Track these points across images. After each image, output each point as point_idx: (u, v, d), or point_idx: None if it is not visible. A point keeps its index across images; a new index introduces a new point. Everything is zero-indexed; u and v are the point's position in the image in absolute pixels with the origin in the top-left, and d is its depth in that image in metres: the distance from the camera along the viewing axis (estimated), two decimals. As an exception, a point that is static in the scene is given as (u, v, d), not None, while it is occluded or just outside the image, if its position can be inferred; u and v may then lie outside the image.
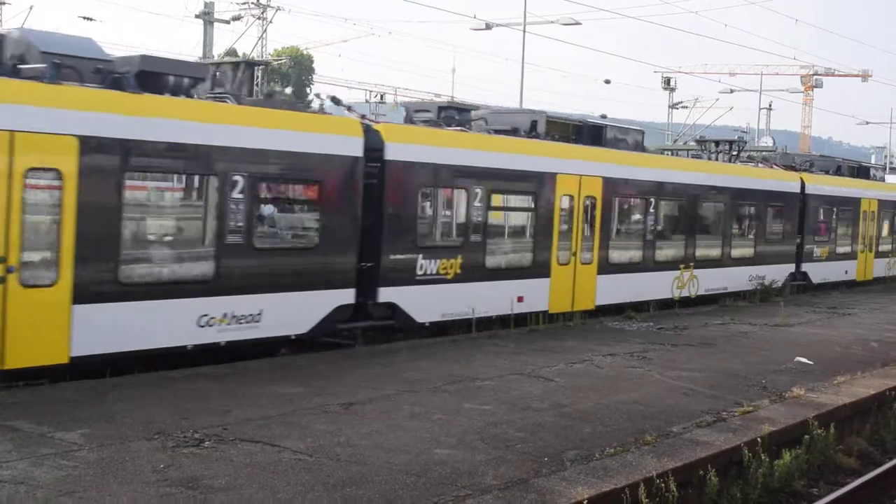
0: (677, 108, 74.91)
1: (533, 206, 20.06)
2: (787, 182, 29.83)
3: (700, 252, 25.14)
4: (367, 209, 16.46)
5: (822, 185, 31.71)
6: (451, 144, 18.44)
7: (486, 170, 18.78)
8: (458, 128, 19.27)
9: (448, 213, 18.93)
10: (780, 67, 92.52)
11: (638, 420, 11.83)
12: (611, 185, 21.79)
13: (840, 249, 32.72)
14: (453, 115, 19.96)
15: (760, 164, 30.99)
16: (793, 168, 31.62)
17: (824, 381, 15.17)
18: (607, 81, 73.64)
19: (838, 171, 34.87)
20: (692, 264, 24.72)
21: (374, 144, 16.63)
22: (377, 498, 8.45)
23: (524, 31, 45.98)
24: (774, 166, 31.25)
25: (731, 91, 71.06)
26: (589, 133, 22.70)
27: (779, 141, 63.30)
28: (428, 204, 18.12)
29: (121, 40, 76.57)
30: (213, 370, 13.61)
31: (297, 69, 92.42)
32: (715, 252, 25.96)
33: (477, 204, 18.60)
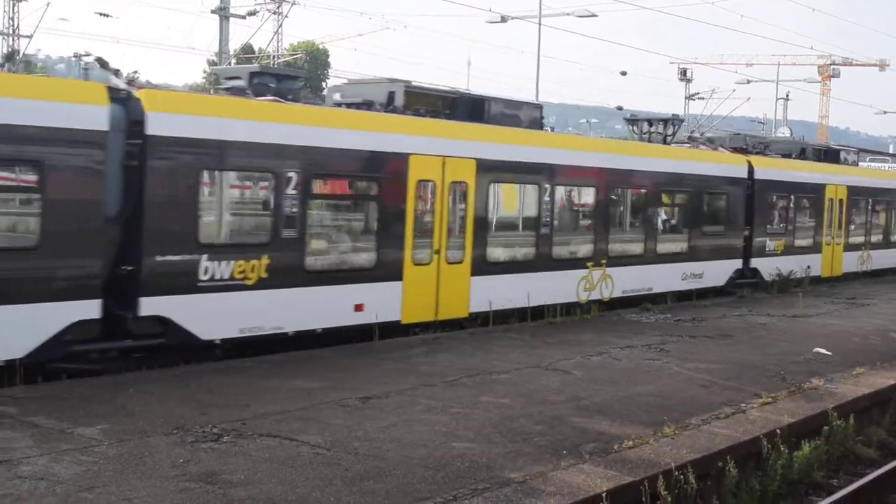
0: (694, 100, 74.53)
1: (375, 193, 16.64)
2: (730, 166, 26.17)
3: (616, 247, 21.72)
4: (127, 198, 13.39)
5: (774, 169, 28.15)
6: (250, 117, 14.87)
7: (302, 149, 15.34)
8: (273, 98, 15.73)
9: (248, 202, 15.65)
10: (797, 57, 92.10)
11: (656, 412, 11.80)
12: (490, 168, 18.36)
13: (800, 242, 29.26)
14: (268, 82, 16.20)
15: (703, 147, 27.31)
16: (742, 150, 28.05)
17: (843, 371, 15.10)
18: (623, 73, 73.87)
19: (802, 155, 31.61)
20: (604, 262, 21.24)
21: (132, 115, 13.47)
22: (395, 492, 8.46)
23: (539, 24, 45.93)
24: (721, 148, 27.68)
25: (748, 82, 70.67)
26: (466, 107, 19.10)
27: (796, 131, 63.00)
28: (216, 191, 14.51)
29: (136, 36, 76.88)
30: (231, 364, 13.65)
31: (313, 64, 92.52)
32: (635, 247, 22.54)
33: (291, 191, 15.10)
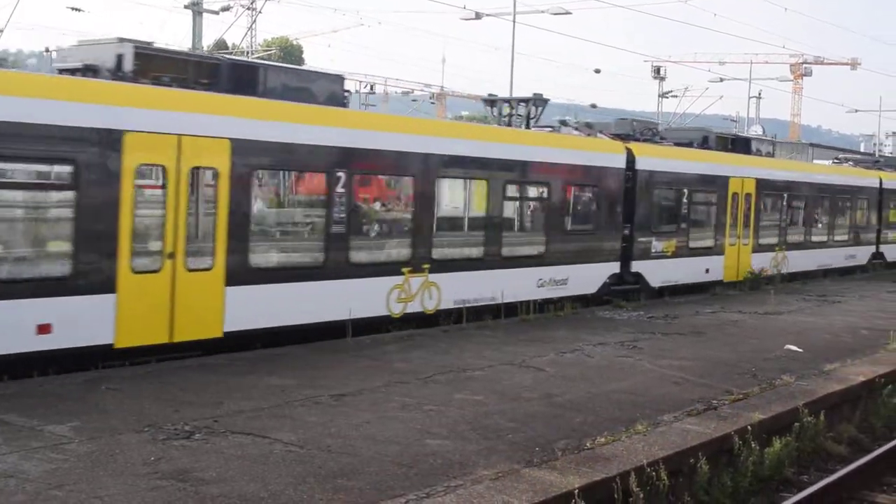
0: (667, 98, 74.91)
1: (70, 182, 12.87)
2: (603, 154, 22.64)
3: (444, 250, 18.36)
4: None
5: (661, 158, 24.61)
6: None
7: None
8: None
9: None
10: (769, 56, 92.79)
11: (628, 409, 11.84)
12: (254, 151, 14.86)
13: (697, 243, 25.76)
14: None
15: (577, 132, 24.16)
16: (623, 137, 24.30)
17: (814, 368, 15.21)
18: (597, 71, 73.71)
19: (705, 144, 28.00)
20: (426, 267, 17.83)
21: None
22: (368, 489, 8.45)
23: (514, 21, 45.98)
24: (600, 135, 24.25)
25: (721, 80, 71.18)
26: (231, 77, 15.50)
27: (769, 129, 63.55)
28: None
29: (108, 31, 76.38)
30: (204, 361, 13.59)
31: (287, 60, 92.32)
32: (473, 250, 19.21)
33: None
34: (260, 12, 45.48)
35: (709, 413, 11.91)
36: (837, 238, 33.60)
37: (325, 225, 16.11)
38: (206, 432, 9.91)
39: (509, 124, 22.40)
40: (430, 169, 17.93)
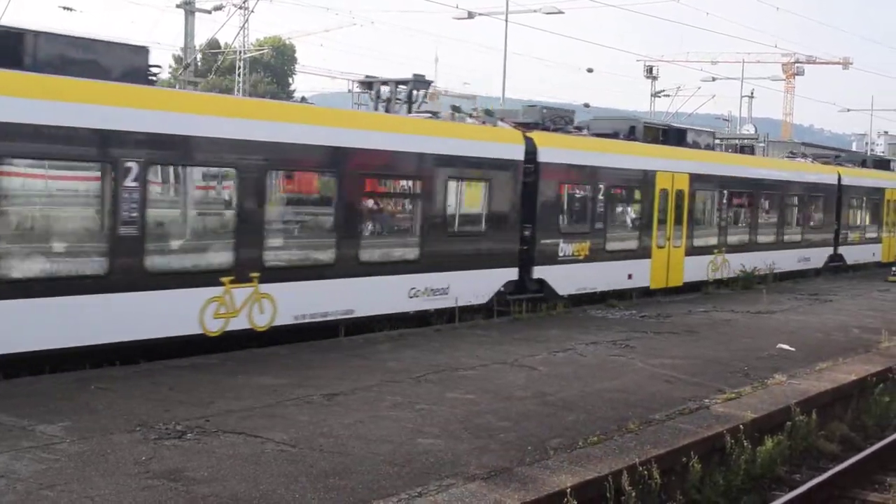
0: (660, 97, 74.98)
1: None
2: (495, 144, 19.69)
3: (279, 256, 15.59)
4: None
5: (570, 150, 21.85)
6: None
7: None
8: None
9: None
10: (761, 55, 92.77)
11: (621, 408, 11.85)
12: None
13: (616, 245, 22.85)
14: None
15: (472, 120, 20.85)
16: (531, 126, 21.42)
17: (806, 367, 15.23)
18: (590, 70, 73.88)
19: (631, 135, 24.75)
20: (255, 276, 14.86)
21: None
22: (360, 488, 8.43)
23: (506, 21, 45.98)
24: (501, 123, 21.11)
25: (713, 79, 71.27)
26: None
27: (761, 128, 63.51)
28: None
29: (101, 31, 76.11)
30: (196, 361, 13.56)
31: (280, 59, 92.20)
32: (321, 255, 16.22)
33: None
34: (252, 11, 45.42)
35: (701, 412, 11.92)
36: (788, 239, 30.69)
37: (105, 226, 13.25)
38: (197, 432, 9.89)
39: (388, 110, 20.30)
40: (257, 159, 14.94)
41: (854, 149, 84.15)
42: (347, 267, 16.40)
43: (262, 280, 14.99)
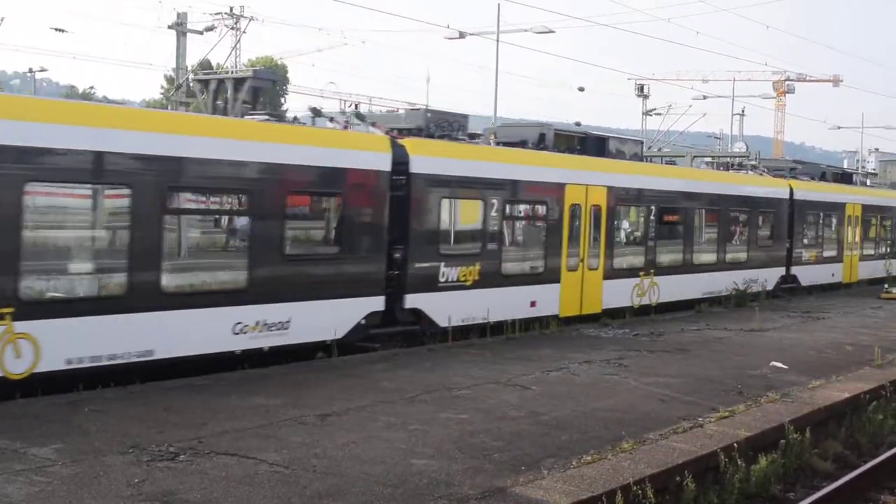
0: (651, 115, 75.19)
1: None
2: (353, 153, 16.87)
3: (44, 286, 13.08)
4: None
5: (451, 159, 18.95)
6: None
7: None
8: None
9: None
10: (752, 74, 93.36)
11: (615, 427, 11.83)
12: None
13: (514, 268, 20.30)
14: None
15: (330, 125, 18.28)
16: (414, 133, 19.05)
17: (799, 385, 15.23)
18: (581, 89, 74.15)
19: (541, 143, 22.40)
20: (8, 311, 12.21)
21: None
22: (354, 509, 8.41)
23: (497, 41, 46.13)
24: (372, 128, 18.52)
25: (704, 97, 71.55)
26: None
27: (752, 146, 63.62)
28: None
29: (93, 52, 76.33)
30: (190, 381, 13.52)
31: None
32: (107, 285, 13.56)
33: None
34: (244, 32, 45.46)
35: (695, 430, 11.91)
36: (731, 259, 27.85)
37: None
38: (190, 453, 9.85)
39: (225, 112, 18.15)
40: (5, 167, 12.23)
41: (845, 166, 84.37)
42: (144, 298, 13.65)
43: (20, 317, 12.32)
